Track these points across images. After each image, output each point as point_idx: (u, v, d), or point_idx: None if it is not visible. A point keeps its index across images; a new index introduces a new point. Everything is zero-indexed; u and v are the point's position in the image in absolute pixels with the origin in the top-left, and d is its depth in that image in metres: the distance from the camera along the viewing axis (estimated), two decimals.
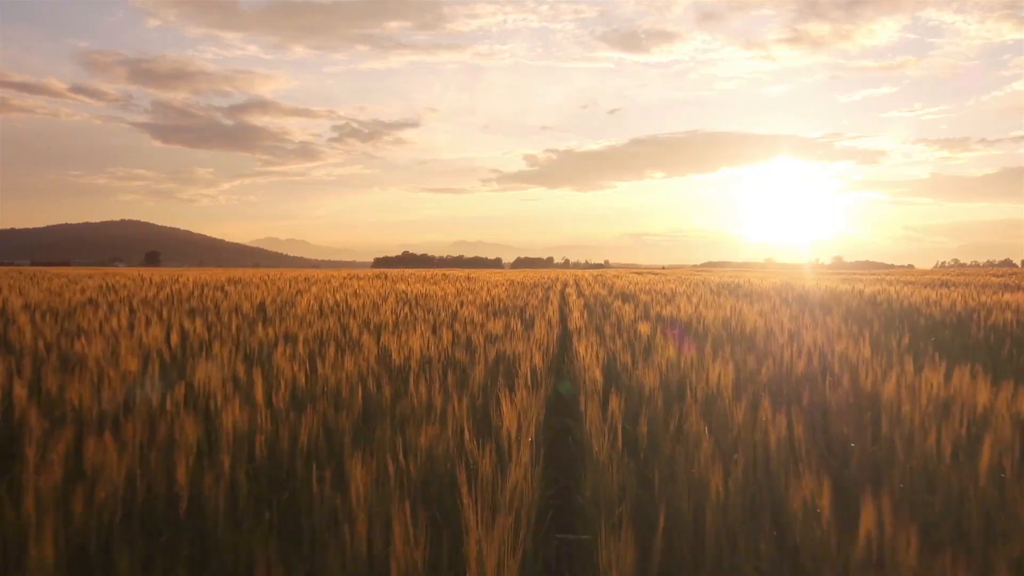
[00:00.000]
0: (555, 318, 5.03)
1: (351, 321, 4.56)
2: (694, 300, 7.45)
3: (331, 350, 3.20)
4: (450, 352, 3.40)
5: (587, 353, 2.97)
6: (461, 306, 6.66)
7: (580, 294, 9.08)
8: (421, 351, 3.32)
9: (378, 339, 3.73)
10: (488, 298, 7.65)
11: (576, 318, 4.88)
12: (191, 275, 13.73)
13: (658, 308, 6.22)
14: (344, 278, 12.30)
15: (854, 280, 18.49)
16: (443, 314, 5.46)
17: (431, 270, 29.50)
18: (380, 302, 5.72)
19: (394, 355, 3.19)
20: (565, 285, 12.93)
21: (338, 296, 5.98)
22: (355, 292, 7.66)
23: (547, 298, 8.65)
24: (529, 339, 3.53)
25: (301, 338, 3.70)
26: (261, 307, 5.10)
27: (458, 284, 11.33)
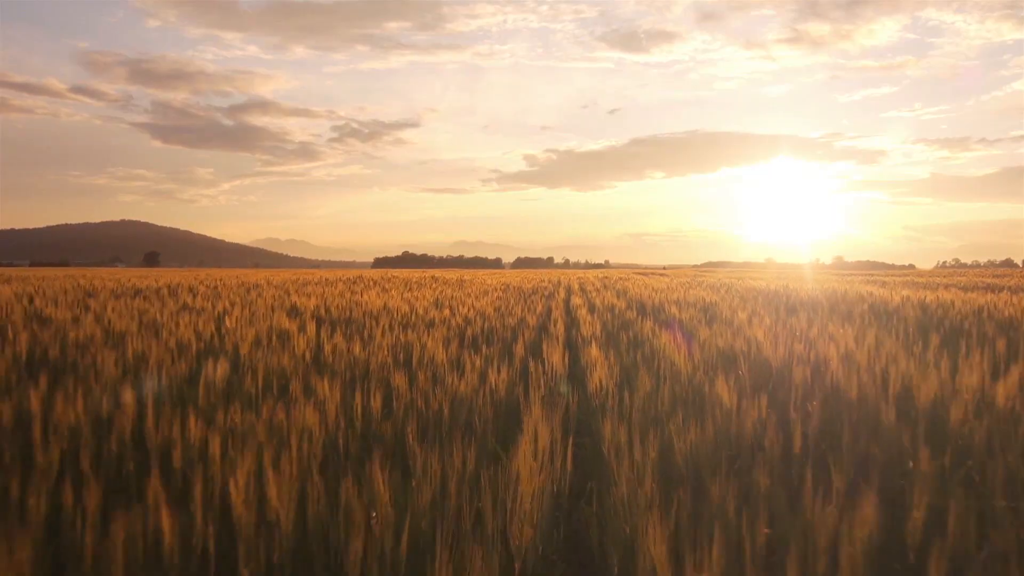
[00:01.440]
0: (561, 363, 3.11)
1: (218, 370, 2.64)
2: (745, 315, 5.53)
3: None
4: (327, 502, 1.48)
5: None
6: (430, 329, 4.75)
7: (591, 307, 7.15)
8: (258, 500, 1.40)
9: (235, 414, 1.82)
10: (471, 313, 5.74)
11: (597, 362, 2.96)
12: (130, 277, 11.81)
13: (709, 335, 4.29)
14: (304, 284, 10.36)
15: (878, 283, 16.54)
16: (388, 346, 3.54)
17: (424, 272, 27.61)
18: (297, 331, 3.80)
19: (197, 510, 1.26)
20: (570, 292, 11.00)
21: (236, 319, 4.06)
22: (293, 307, 5.73)
23: (549, 313, 6.73)
24: (518, 458, 1.60)
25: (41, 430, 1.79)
26: (85, 343, 3.16)
27: (443, 290, 9.40)
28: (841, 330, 4.26)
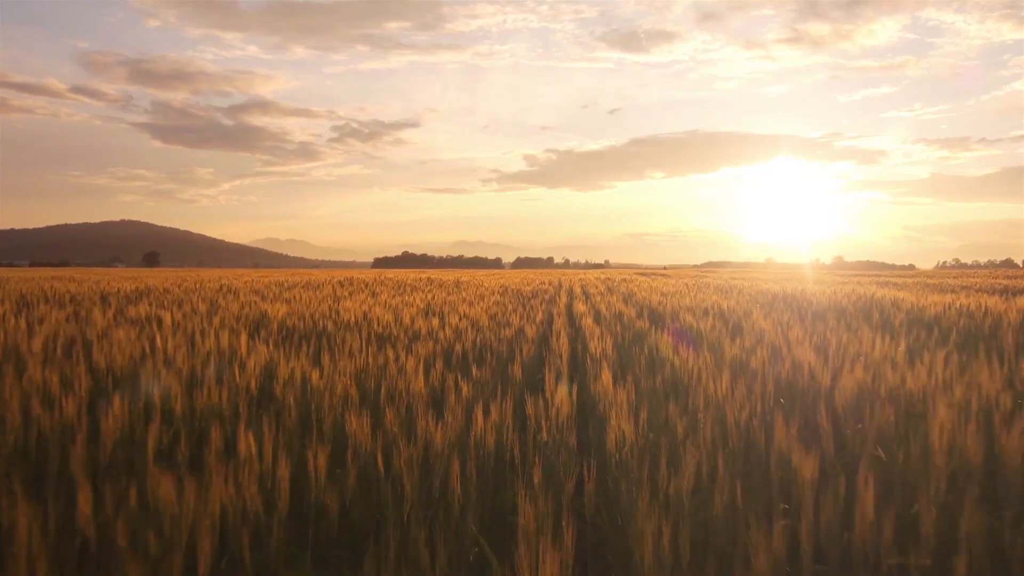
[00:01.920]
0: (568, 398, 2.46)
1: (111, 415, 2.00)
2: (769, 324, 4.89)
3: None
4: None
5: None
6: (413, 343, 4.11)
7: (596, 315, 6.49)
8: None
9: None
10: (463, 324, 5.09)
11: (614, 402, 2.30)
12: (111, 280, 11.19)
13: (739, 352, 3.64)
14: (290, 287, 9.70)
15: (892, 285, 15.88)
16: (353, 372, 2.89)
17: (420, 273, 26.98)
18: (247, 352, 3.15)
19: None
20: (572, 297, 10.35)
21: (167, 337, 3.39)
22: (262, 316, 5.08)
23: (550, 322, 6.08)
24: None
25: None
26: None
27: (436, 295, 8.76)
28: (894, 347, 3.61)
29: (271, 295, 7.59)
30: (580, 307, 6.85)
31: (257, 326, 4.54)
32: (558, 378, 2.79)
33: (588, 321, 5.34)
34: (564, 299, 8.80)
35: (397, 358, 3.28)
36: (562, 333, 4.59)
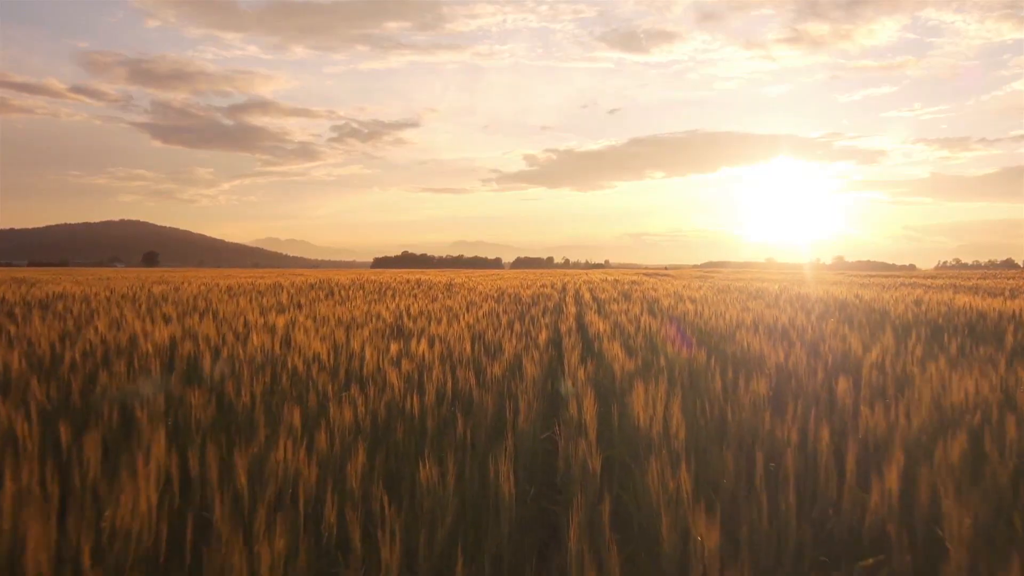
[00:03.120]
0: None
1: None
2: (876, 354, 3.27)
3: None
4: None
5: None
6: (339, 395, 2.49)
7: (621, 336, 4.83)
8: None
9: None
10: (436, 352, 3.46)
11: None
12: (44, 279, 9.60)
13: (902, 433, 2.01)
14: (236, 294, 8.03)
15: (919, 287, 14.25)
16: (136, 525, 1.28)
17: (412, 273, 25.37)
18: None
19: None
20: (580, 304, 8.69)
21: None
22: (129, 342, 3.45)
23: (559, 346, 4.45)
24: None
25: None
26: None
27: (416, 303, 7.11)
28: None
29: (199, 305, 5.93)
30: (596, 322, 5.21)
31: (101, 365, 2.90)
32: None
33: (615, 349, 3.70)
34: (572, 308, 7.15)
35: (272, 452, 1.66)
36: (580, 374, 2.95)
